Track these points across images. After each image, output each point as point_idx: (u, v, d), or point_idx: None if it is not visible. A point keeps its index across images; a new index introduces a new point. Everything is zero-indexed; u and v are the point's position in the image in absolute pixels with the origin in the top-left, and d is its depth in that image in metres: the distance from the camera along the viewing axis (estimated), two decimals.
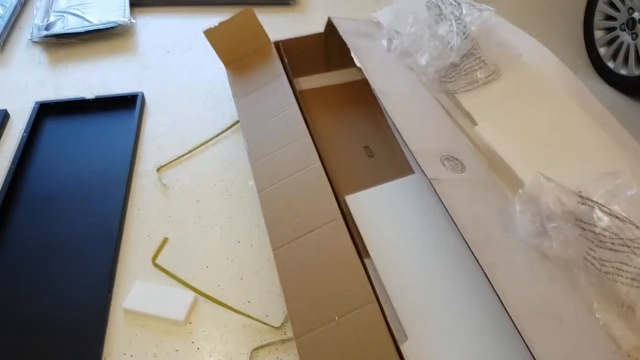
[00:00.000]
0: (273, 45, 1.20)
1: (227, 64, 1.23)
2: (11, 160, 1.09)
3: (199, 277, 0.90)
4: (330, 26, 1.14)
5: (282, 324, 0.82)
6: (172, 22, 1.52)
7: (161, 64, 1.37)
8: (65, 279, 0.89)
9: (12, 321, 0.83)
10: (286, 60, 1.15)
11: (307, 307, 0.74)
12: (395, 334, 0.67)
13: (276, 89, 1.11)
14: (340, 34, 1.07)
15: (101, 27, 1.40)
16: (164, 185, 1.06)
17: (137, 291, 0.87)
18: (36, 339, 0.81)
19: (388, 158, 0.96)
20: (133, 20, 1.46)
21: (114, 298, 0.87)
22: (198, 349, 0.80)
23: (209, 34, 1.20)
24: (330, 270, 0.76)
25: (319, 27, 1.17)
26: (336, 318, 0.70)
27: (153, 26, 1.50)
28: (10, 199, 1.02)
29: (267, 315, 0.84)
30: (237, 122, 1.18)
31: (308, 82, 1.17)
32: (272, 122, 1.04)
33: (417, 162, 0.76)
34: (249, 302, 0.86)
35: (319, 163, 0.88)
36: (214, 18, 1.54)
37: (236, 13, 1.16)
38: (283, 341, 0.80)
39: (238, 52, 1.22)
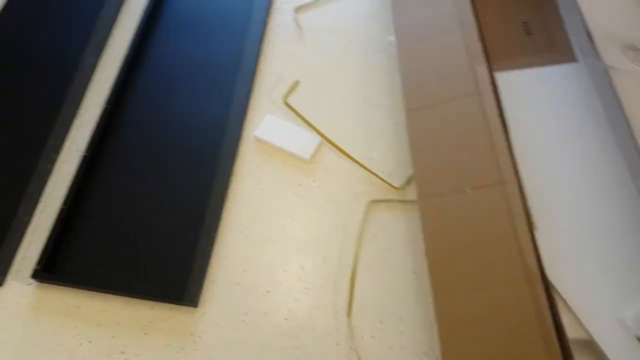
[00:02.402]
0: None
1: None
2: None
3: (326, 124, 0.91)
4: None
5: (402, 186, 0.83)
6: None
7: None
8: (203, 98, 0.93)
9: (152, 133, 0.90)
10: None
11: (436, 172, 0.74)
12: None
13: None
14: None
15: None
16: (300, 28, 1.04)
17: (268, 123, 0.90)
18: (173, 148, 0.88)
19: (548, 39, 0.87)
20: None
21: (246, 126, 0.92)
22: (319, 187, 0.84)
23: None
24: (468, 142, 0.74)
25: None
26: (467, 190, 0.70)
27: None
28: (155, 14, 1.04)
29: (387, 175, 0.85)
30: None
31: None
32: None
33: (594, 45, 0.68)
34: (372, 158, 0.87)
35: (473, 24, 0.81)
36: None
37: None
38: (402, 201, 0.82)
39: None
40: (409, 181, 0.83)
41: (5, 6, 1.02)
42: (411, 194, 0.81)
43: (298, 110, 0.93)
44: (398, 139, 0.89)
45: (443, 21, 0.87)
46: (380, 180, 0.84)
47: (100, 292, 0.74)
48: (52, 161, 0.85)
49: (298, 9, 1.07)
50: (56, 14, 1.03)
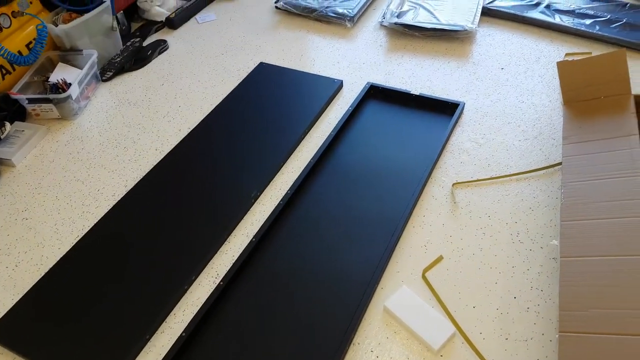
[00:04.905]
0: (633, 99, 1.03)
1: (567, 101, 1.10)
2: (333, 127, 1.19)
3: (462, 312, 0.84)
4: None
5: None
6: (516, 40, 1.44)
7: (491, 79, 1.32)
8: (343, 252, 0.93)
9: (288, 273, 0.91)
10: None
11: None
12: None
13: (621, 147, 0.95)
14: None
15: (447, 28, 1.41)
16: (454, 203, 1.02)
17: (401, 296, 0.86)
18: (302, 295, 0.87)
19: None
20: (477, 28, 1.43)
21: (378, 290, 0.88)
22: None
23: (563, 66, 1.09)
24: None
25: None
26: None
27: (495, 38, 1.45)
28: (321, 161, 1.12)
29: None
30: (557, 165, 1.05)
31: None
32: (605, 185, 0.89)
33: None
34: None
35: None
36: (561, 47, 1.42)
37: (606, 52, 1.02)
38: None
39: (586, 93, 1.09)
40: None
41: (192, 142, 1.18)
42: None
43: (435, 289, 0.87)
44: (545, 352, 0.77)
45: (621, 243, 0.78)
46: None
47: None
48: (190, 283, 0.89)
49: (455, 185, 1.06)
50: (244, 152, 1.16)
